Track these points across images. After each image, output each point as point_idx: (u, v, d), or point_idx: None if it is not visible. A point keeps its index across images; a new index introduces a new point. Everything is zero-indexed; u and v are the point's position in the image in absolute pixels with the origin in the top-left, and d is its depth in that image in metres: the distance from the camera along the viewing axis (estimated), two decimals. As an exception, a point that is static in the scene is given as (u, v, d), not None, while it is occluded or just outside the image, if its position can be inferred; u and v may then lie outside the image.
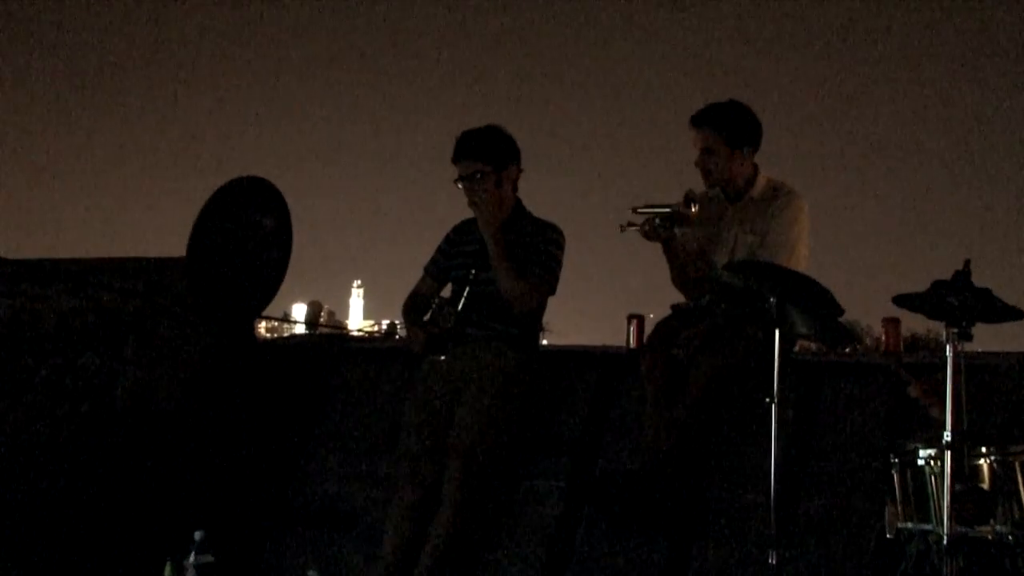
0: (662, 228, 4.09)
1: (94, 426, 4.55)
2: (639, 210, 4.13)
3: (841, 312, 3.30)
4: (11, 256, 4.78)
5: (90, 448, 4.49)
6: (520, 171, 4.30)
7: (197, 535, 3.94)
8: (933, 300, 2.96)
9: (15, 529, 4.26)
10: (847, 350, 4.14)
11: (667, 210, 4.08)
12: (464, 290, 4.12)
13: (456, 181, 4.21)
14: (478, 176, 4.16)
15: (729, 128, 4.17)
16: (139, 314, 4.70)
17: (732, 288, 3.59)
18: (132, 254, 5.01)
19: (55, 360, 4.64)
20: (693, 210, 4.04)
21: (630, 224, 4.15)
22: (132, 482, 4.42)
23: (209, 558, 3.92)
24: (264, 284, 4.99)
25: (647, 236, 4.12)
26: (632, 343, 4.62)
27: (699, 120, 4.21)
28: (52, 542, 4.26)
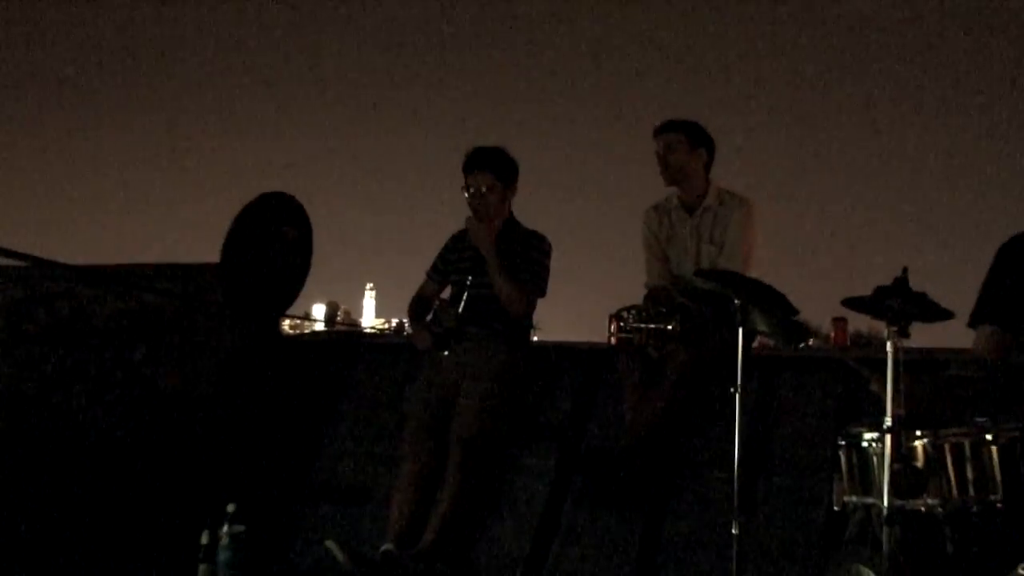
0: (656, 348, 3.91)
1: (141, 410, 4.56)
2: (633, 324, 3.87)
3: (795, 313, 3.33)
4: (71, 262, 4.81)
5: (138, 430, 4.50)
6: (515, 190, 4.33)
7: (230, 507, 3.95)
8: (876, 302, 2.95)
9: (75, 500, 4.29)
10: (800, 346, 4.16)
11: (655, 327, 3.84)
12: (463, 293, 4.14)
13: (464, 189, 4.23)
14: (485, 189, 4.19)
15: (689, 130, 4.26)
16: (179, 313, 4.72)
17: (702, 292, 3.63)
18: (173, 260, 4.98)
19: (108, 353, 4.64)
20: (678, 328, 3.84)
21: (621, 330, 3.89)
22: (174, 459, 4.44)
23: (240, 528, 3.95)
24: (288, 287, 5.01)
25: (634, 345, 3.90)
26: (613, 340, 4.61)
27: (663, 128, 4.28)
28: (106, 511, 4.28)
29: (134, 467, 4.39)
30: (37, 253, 4.34)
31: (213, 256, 4.61)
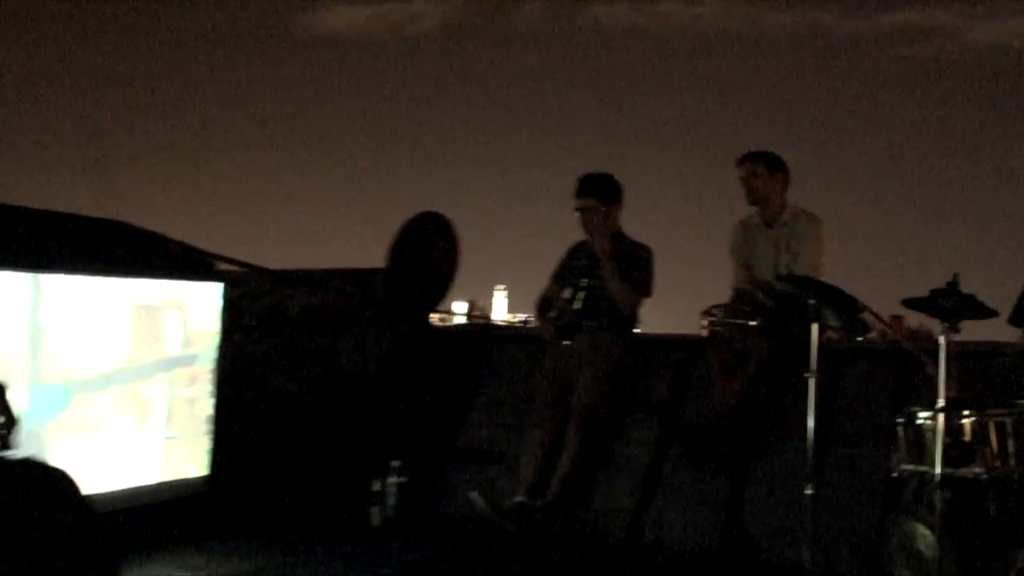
0: (741, 339, 3.99)
1: (326, 385, 4.64)
2: (722, 319, 4.01)
3: (860, 310, 3.34)
4: (271, 267, 4.91)
5: (323, 400, 4.59)
6: (621, 208, 4.38)
7: (394, 463, 4.09)
8: (932, 303, 2.95)
9: (276, 455, 4.44)
10: (860, 339, 4.09)
11: (740, 322, 3.96)
12: (580, 293, 4.21)
13: (575, 210, 4.33)
14: (591, 209, 4.28)
15: (767, 159, 4.24)
16: (354, 307, 4.77)
17: (780, 294, 3.66)
18: (349, 265, 4.99)
19: (299, 339, 4.75)
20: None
21: (712, 324, 4.03)
22: (351, 424, 4.52)
23: (403, 479, 4.08)
24: (438, 288, 4.99)
25: (722, 337, 4.00)
26: (705, 332, 4.56)
27: (746, 158, 4.27)
28: (299, 464, 4.42)
29: (320, 429, 4.51)
30: (248, 261, 4.59)
31: (380, 262, 4.68)
